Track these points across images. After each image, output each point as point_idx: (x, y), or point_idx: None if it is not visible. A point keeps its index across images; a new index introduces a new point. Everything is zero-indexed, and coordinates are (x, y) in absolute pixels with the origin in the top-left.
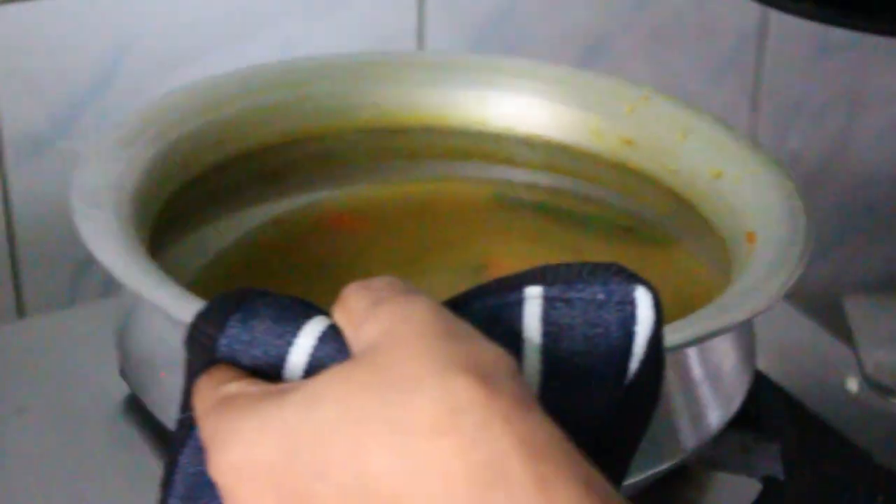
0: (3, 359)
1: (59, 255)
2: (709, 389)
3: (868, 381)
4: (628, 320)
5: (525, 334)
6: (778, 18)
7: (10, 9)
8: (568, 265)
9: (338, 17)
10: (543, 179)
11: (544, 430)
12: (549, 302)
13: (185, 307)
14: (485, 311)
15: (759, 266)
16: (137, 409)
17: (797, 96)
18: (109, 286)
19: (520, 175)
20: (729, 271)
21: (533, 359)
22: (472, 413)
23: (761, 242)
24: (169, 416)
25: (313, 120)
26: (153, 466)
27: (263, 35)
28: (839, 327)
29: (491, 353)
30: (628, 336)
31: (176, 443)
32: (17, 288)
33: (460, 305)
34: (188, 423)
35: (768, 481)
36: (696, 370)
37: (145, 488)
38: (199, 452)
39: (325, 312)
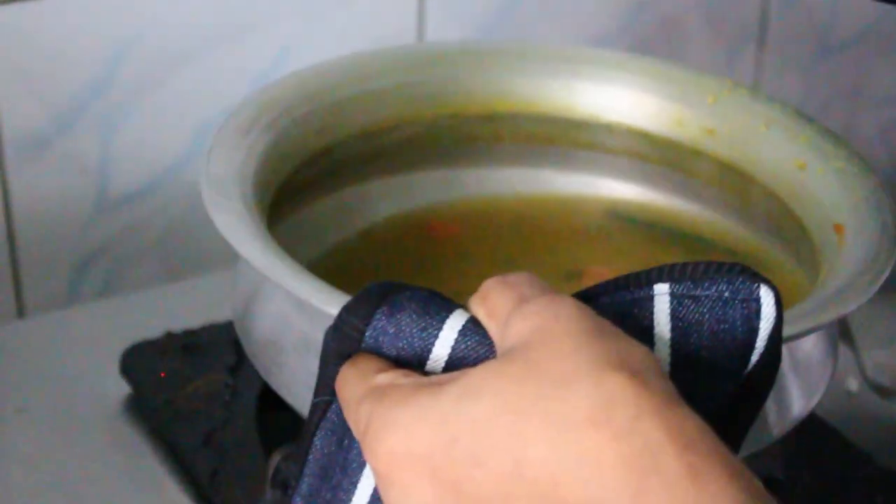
0: (3, 359)
1: (59, 255)
2: (796, 379)
3: (868, 382)
4: (753, 317)
5: (655, 329)
6: (778, 18)
7: (10, 9)
8: (694, 263)
9: (338, 17)
10: (631, 173)
11: (692, 423)
12: (677, 299)
13: (329, 298)
14: (614, 306)
15: (851, 260)
16: (137, 409)
17: (797, 96)
18: (109, 286)
19: (605, 162)
20: (814, 262)
21: (663, 352)
22: (625, 406)
23: (850, 235)
24: (294, 396)
25: (408, 107)
26: (153, 466)
27: (263, 34)
28: (839, 327)
29: (637, 350)
30: (752, 332)
31: (311, 425)
32: (17, 288)
33: (590, 300)
34: (323, 407)
35: (768, 481)
36: (787, 360)
37: (145, 488)
38: (333, 434)
39: (462, 305)
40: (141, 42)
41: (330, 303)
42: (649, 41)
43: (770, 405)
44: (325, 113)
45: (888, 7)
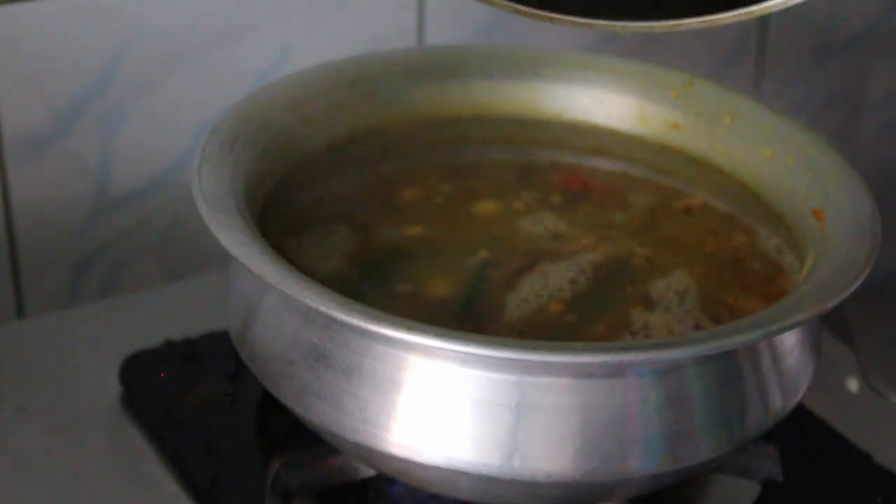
0: (3, 359)
1: (59, 255)
2: (780, 373)
3: (868, 382)
4: None
5: None
6: (778, 19)
7: (10, 9)
8: None
9: (338, 17)
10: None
11: None
12: None
13: (347, 308)
14: None
15: (836, 249)
16: (137, 409)
17: (797, 96)
18: (109, 286)
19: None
20: (796, 249)
21: None
22: None
23: (831, 221)
24: (306, 408)
25: (376, 116)
26: (152, 466)
27: (263, 35)
28: (839, 327)
29: None
30: None
31: None
32: (17, 288)
33: None
34: None
35: (767, 483)
36: (769, 355)
37: (144, 487)
38: None
39: None
40: (141, 42)
41: (347, 312)
42: (648, 44)
43: (753, 400)
44: (299, 125)
45: (888, 7)
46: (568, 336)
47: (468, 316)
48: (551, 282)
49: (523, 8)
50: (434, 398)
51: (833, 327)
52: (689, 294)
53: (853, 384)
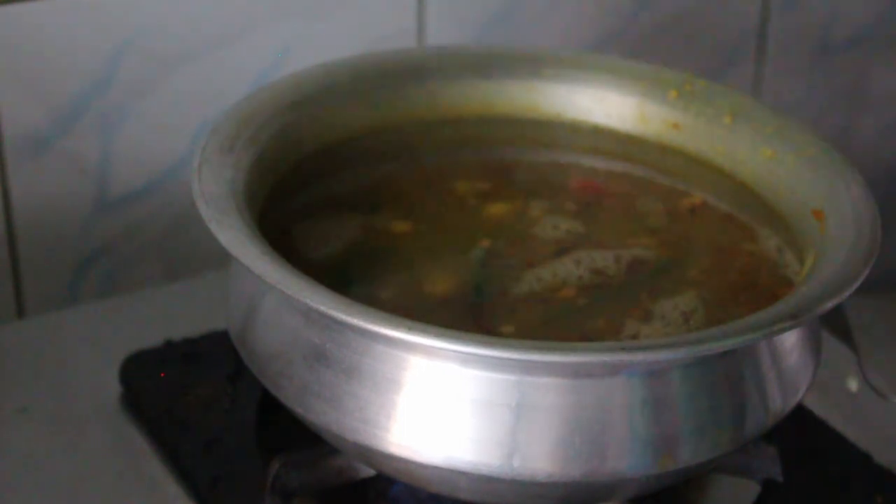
0: (3, 359)
1: (59, 255)
2: (780, 373)
3: (868, 382)
4: None
5: None
6: (778, 20)
7: (10, 9)
8: None
9: (338, 17)
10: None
11: None
12: None
13: (346, 308)
14: None
15: (835, 249)
16: (137, 409)
17: (797, 96)
18: (109, 286)
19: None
20: (797, 249)
21: None
22: None
23: (831, 221)
24: (306, 408)
25: (377, 116)
26: (152, 466)
27: (263, 34)
28: (839, 327)
29: None
30: None
31: None
32: (17, 288)
33: None
34: None
35: (767, 483)
36: (769, 355)
37: (144, 488)
38: None
39: None
40: (141, 42)
41: (347, 312)
42: (648, 43)
43: (753, 400)
44: (299, 125)
45: (888, 7)
46: (563, 322)
47: (478, 303)
48: (581, 268)
49: None
50: (434, 398)
51: (833, 327)
52: (697, 314)
53: (853, 384)
